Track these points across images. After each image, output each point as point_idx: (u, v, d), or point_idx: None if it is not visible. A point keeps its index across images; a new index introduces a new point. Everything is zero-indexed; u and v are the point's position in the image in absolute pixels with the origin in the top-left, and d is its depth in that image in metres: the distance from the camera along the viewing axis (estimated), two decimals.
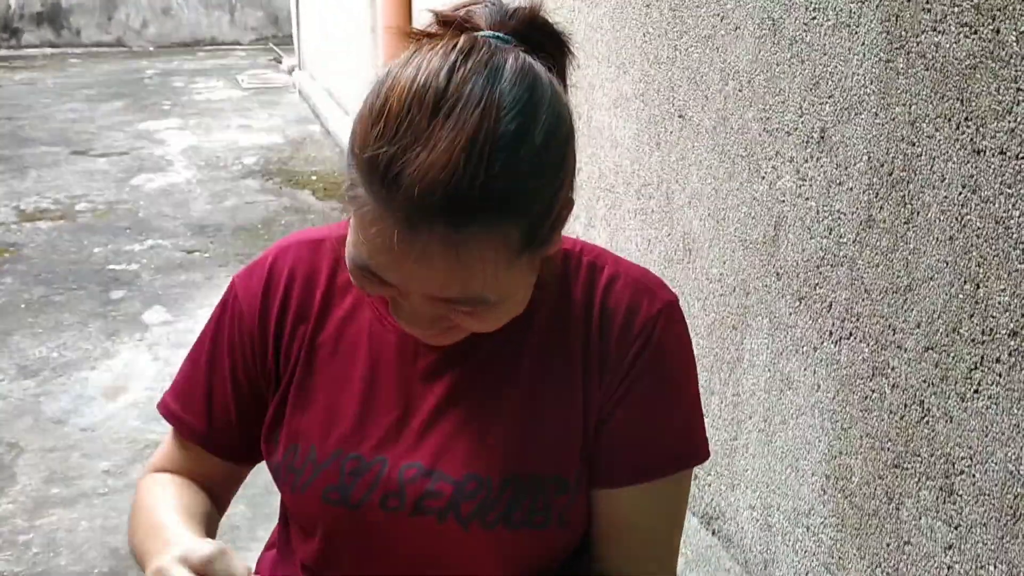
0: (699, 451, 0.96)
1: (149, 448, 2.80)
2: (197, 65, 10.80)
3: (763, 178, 1.81)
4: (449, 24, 0.79)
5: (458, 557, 0.91)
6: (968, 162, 1.32)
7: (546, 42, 0.80)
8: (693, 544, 2.13)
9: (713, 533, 2.13)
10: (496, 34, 0.77)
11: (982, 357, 1.33)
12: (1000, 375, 1.30)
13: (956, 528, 1.40)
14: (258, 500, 2.51)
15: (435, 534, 0.90)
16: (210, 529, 0.96)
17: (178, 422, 1.00)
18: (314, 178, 6.01)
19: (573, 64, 0.83)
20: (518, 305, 0.83)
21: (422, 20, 0.80)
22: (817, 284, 1.68)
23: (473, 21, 0.79)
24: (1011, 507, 1.30)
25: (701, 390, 2.09)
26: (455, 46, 0.74)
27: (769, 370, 1.86)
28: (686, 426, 0.95)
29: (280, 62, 10.79)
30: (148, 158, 6.43)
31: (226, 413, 0.98)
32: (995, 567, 1.34)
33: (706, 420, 2.12)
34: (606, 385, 0.91)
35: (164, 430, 1.05)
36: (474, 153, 0.70)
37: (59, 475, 2.74)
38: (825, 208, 1.64)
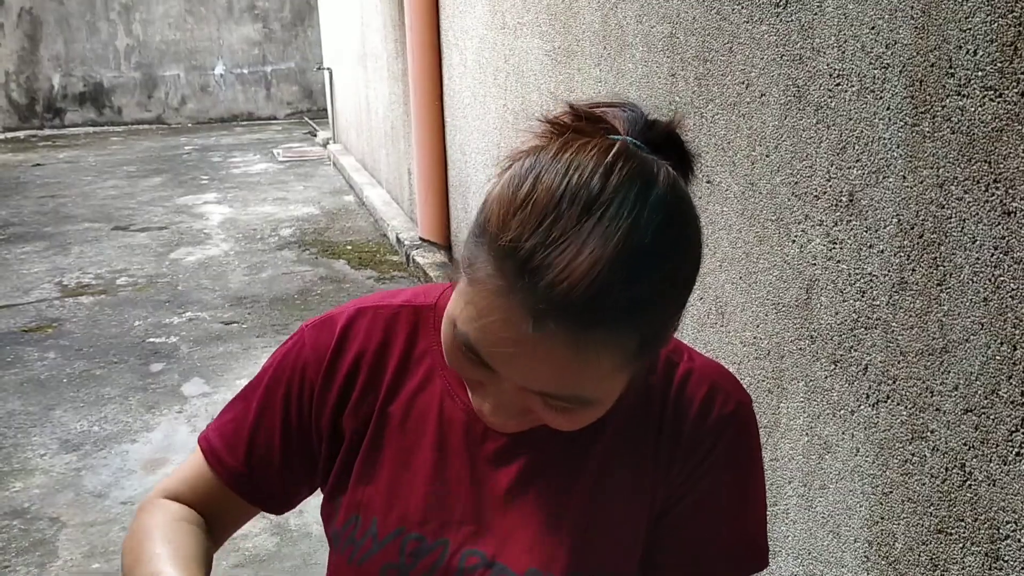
0: (759, 558, 0.92)
1: None
2: (234, 140, 11.04)
3: (793, 241, 1.82)
4: (587, 120, 0.78)
5: None
6: (999, 223, 1.32)
7: (677, 159, 0.80)
8: None
9: None
10: (634, 141, 0.77)
11: (1023, 419, 1.31)
12: None
13: None
14: (298, 573, 2.50)
15: None
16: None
17: (216, 460, 0.99)
18: (349, 248, 6.09)
19: (692, 184, 0.83)
20: (605, 408, 0.82)
21: (545, 109, 0.79)
22: (852, 347, 1.67)
23: (611, 123, 0.78)
24: None
25: None
26: (608, 148, 0.74)
27: (807, 434, 1.84)
28: (748, 531, 0.92)
29: (315, 135, 11.00)
30: (187, 232, 6.55)
31: (268, 462, 0.98)
32: None
33: None
34: (672, 480, 0.89)
35: None
36: (620, 261, 0.70)
37: (100, 549, 2.76)
38: (857, 271, 1.64)
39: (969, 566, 1.43)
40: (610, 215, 0.70)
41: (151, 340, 4.47)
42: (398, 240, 5.85)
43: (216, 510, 1.01)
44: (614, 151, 0.73)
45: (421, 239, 5.30)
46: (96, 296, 5.15)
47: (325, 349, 0.96)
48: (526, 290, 0.70)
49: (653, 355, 0.81)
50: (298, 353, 0.98)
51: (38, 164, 9.33)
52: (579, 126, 0.77)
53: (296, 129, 11.83)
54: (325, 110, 10.91)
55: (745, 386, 2.06)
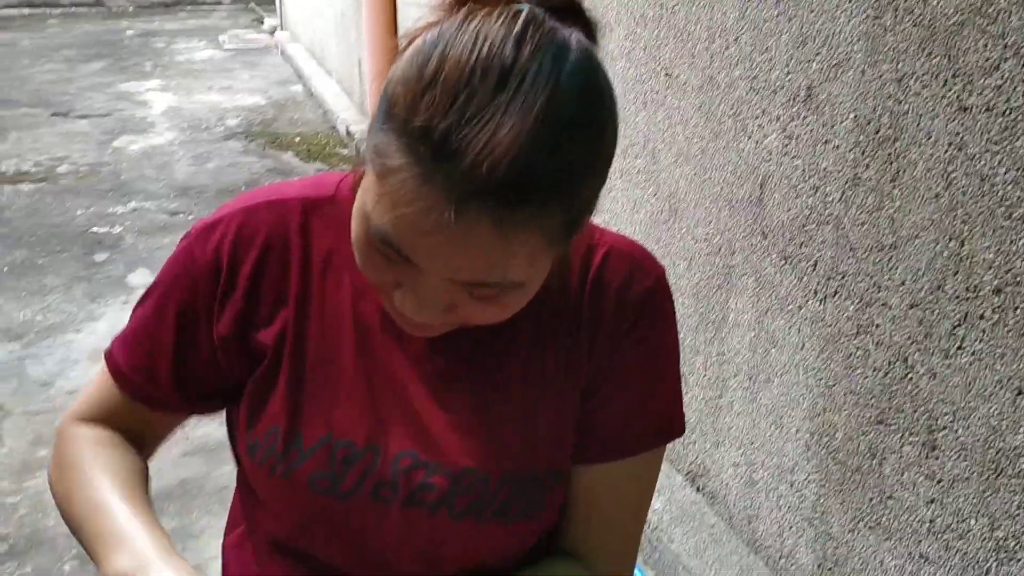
0: (677, 426, 0.94)
1: None
2: (178, 25, 10.66)
3: (749, 137, 1.81)
4: None
5: (445, 546, 0.89)
6: (955, 119, 1.32)
7: (579, 25, 0.75)
8: (678, 500, 2.15)
9: (698, 490, 2.15)
10: (538, 8, 0.71)
11: (966, 314, 1.34)
12: (984, 332, 1.31)
13: (938, 483, 1.42)
14: None
15: (425, 526, 0.88)
16: (147, 492, 0.92)
17: (120, 375, 0.94)
18: (297, 139, 5.97)
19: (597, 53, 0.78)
20: (533, 292, 0.79)
21: None
22: (803, 243, 1.69)
23: None
24: (993, 461, 1.31)
25: (686, 349, 2.10)
26: (515, 16, 0.69)
27: (754, 329, 1.86)
28: (668, 401, 0.93)
29: (262, 22, 10.67)
30: (129, 120, 6.36)
31: (167, 375, 0.92)
32: (976, 520, 1.36)
33: (691, 379, 2.14)
34: (596, 360, 0.89)
35: None
36: (541, 134, 0.66)
37: (45, 438, 2.74)
38: (811, 167, 1.64)
39: (907, 455, 1.48)
40: (526, 87, 0.66)
41: (94, 230, 4.38)
42: (348, 133, 5.74)
43: (133, 425, 0.97)
44: (522, 19, 0.68)
45: None
46: (36, 184, 5.01)
47: (218, 257, 0.89)
48: (445, 174, 0.66)
49: (579, 232, 0.76)
50: (188, 262, 0.91)
51: None
52: None
53: (242, 15, 11.44)
54: None
55: (694, 283, 2.08)
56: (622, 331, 0.89)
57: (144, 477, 0.94)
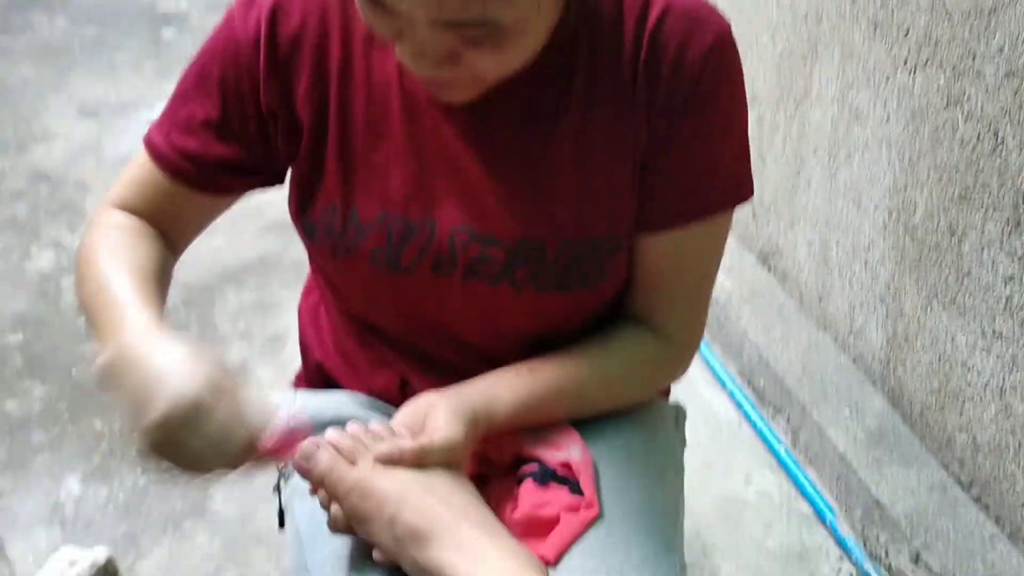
0: (744, 190, 0.91)
1: None
2: None
3: None
4: None
5: (507, 317, 0.90)
6: None
7: None
8: (748, 280, 2.14)
9: (769, 269, 2.14)
10: None
11: None
12: None
13: (1019, 259, 1.38)
14: None
15: (486, 297, 0.88)
16: (164, 292, 0.91)
17: (162, 157, 0.92)
18: None
19: None
20: (534, 37, 0.76)
21: None
22: (894, 8, 1.58)
23: None
24: None
25: (764, 126, 2.03)
26: None
27: (838, 103, 1.78)
28: (733, 165, 0.89)
29: None
30: None
31: (212, 151, 0.91)
32: None
33: (768, 157, 2.08)
34: (654, 124, 0.84)
35: None
36: None
37: None
38: None
39: (988, 232, 1.43)
40: None
41: (161, 7, 4.32)
42: None
43: (170, 210, 0.95)
44: None
45: None
46: None
47: (257, 30, 0.87)
48: None
49: None
50: (228, 37, 0.89)
51: None
52: None
53: None
54: None
55: (777, 54, 1.98)
56: (681, 96, 0.84)
57: (161, 267, 0.93)
